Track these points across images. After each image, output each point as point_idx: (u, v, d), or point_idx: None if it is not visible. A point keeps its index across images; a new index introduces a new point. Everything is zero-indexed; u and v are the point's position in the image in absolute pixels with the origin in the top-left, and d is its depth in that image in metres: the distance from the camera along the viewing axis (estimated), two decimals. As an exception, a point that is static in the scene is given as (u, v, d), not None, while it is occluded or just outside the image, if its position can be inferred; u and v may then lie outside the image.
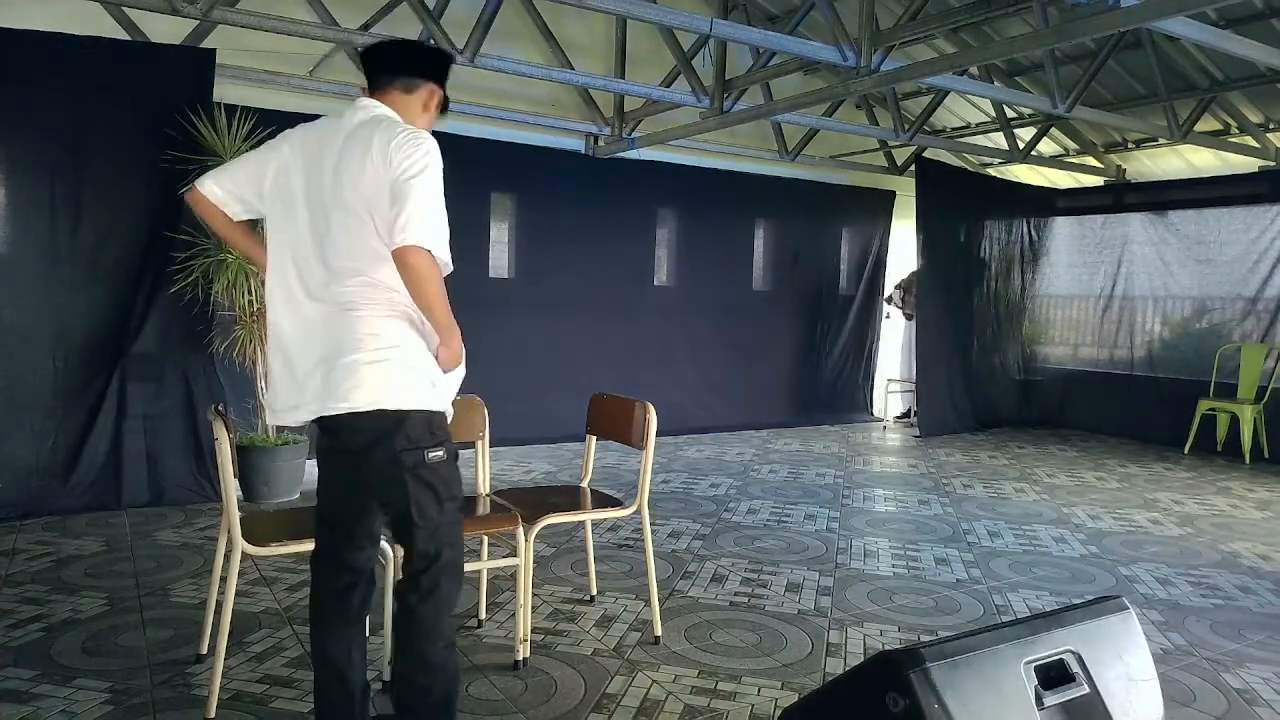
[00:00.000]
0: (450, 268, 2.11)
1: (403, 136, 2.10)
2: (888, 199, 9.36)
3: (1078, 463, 7.13)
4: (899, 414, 9.16)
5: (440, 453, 2.15)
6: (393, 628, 2.24)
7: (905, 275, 9.04)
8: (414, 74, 2.29)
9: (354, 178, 2.09)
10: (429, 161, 2.08)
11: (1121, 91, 7.20)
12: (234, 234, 2.36)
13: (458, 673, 2.24)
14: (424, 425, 2.13)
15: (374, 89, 2.29)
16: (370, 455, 2.13)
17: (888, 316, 9.23)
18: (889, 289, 9.26)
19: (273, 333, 2.20)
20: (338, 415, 2.10)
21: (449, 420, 2.23)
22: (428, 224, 2.03)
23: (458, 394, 2.31)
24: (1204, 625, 3.57)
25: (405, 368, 2.11)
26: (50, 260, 4.68)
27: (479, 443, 3.31)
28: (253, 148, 4.86)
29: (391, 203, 2.04)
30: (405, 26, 5.65)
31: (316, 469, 2.33)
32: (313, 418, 2.16)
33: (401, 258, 2.02)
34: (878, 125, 8.36)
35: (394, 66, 2.28)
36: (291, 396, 2.17)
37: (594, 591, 3.66)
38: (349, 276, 2.10)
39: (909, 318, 8.81)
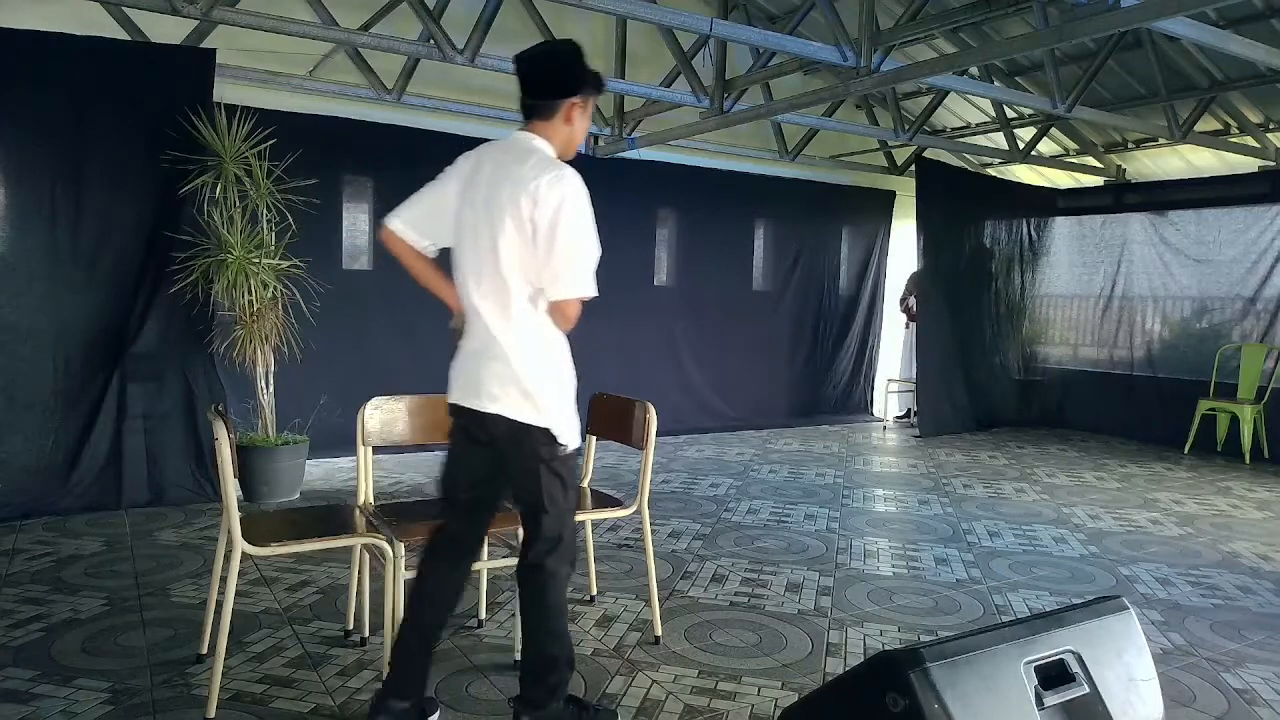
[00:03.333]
0: (594, 292, 2.37)
1: (542, 181, 2.25)
2: (888, 199, 9.36)
3: (1078, 463, 7.13)
4: (899, 414, 9.15)
5: (564, 446, 2.37)
6: (521, 608, 2.47)
7: (909, 280, 9.01)
8: (547, 97, 2.38)
9: (501, 220, 2.28)
10: (565, 200, 2.26)
11: (1121, 91, 7.20)
12: (421, 267, 2.46)
13: (570, 639, 2.52)
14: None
15: (523, 114, 2.42)
16: (511, 448, 2.35)
17: (907, 327, 9.13)
18: (906, 298, 9.04)
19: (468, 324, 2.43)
20: (487, 412, 2.33)
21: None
22: (575, 273, 2.31)
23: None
24: (1204, 625, 3.57)
25: (551, 390, 2.35)
26: (50, 260, 4.68)
27: (479, 443, 3.31)
28: (253, 148, 4.97)
29: (540, 254, 2.28)
30: (405, 26, 5.65)
31: (450, 454, 2.49)
32: (469, 407, 2.37)
33: (554, 308, 2.34)
34: (878, 125, 8.36)
35: (530, 94, 2.38)
36: (462, 381, 2.40)
37: (594, 591, 3.65)
38: (502, 303, 2.31)
39: (914, 319, 8.79)
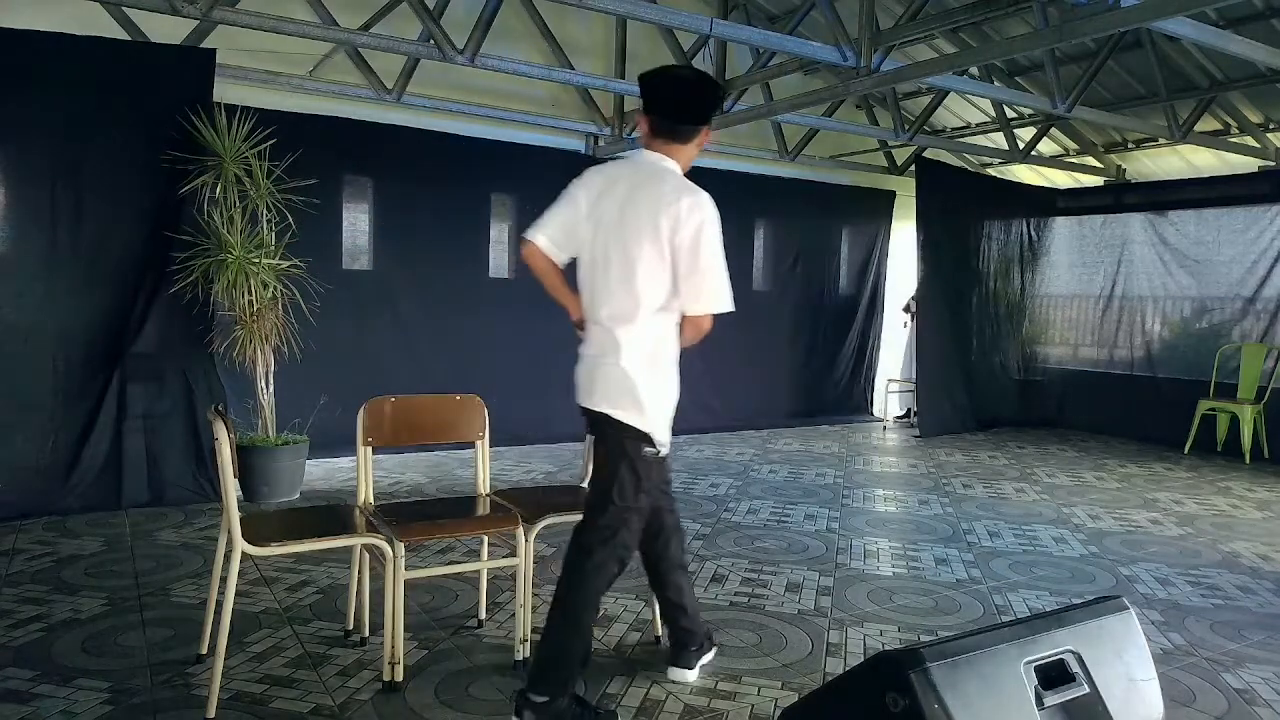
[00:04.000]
0: (732, 308, 2.58)
1: (683, 204, 2.44)
2: (888, 199, 9.36)
3: (1078, 463, 7.13)
4: (899, 414, 9.15)
5: (654, 449, 2.56)
6: (556, 594, 2.58)
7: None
8: (690, 123, 2.57)
9: (637, 236, 2.47)
10: (705, 223, 2.47)
11: (1121, 91, 7.20)
12: (557, 280, 2.66)
13: (591, 638, 2.66)
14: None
15: (654, 134, 2.58)
16: (608, 438, 2.57)
17: (905, 325, 9.14)
18: (907, 301, 9.04)
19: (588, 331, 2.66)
20: (598, 410, 2.56)
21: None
22: (715, 290, 2.53)
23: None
24: (1204, 625, 3.57)
25: (661, 400, 2.57)
26: (50, 260, 4.68)
27: (479, 443, 3.31)
28: (253, 148, 4.97)
29: (677, 270, 2.48)
30: (405, 26, 5.65)
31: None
32: (585, 406, 2.61)
33: (690, 322, 2.56)
34: (878, 125, 8.36)
35: (676, 119, 2.56)
36: (583, 383, 2.62)
37: (594, 591, 3.65)
38: (629, 315, 2.51)
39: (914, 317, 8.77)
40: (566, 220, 2.60)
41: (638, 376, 2.51)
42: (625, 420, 2.51)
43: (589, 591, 2.53)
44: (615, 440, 2.54)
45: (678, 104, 2.55)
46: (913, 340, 8.73)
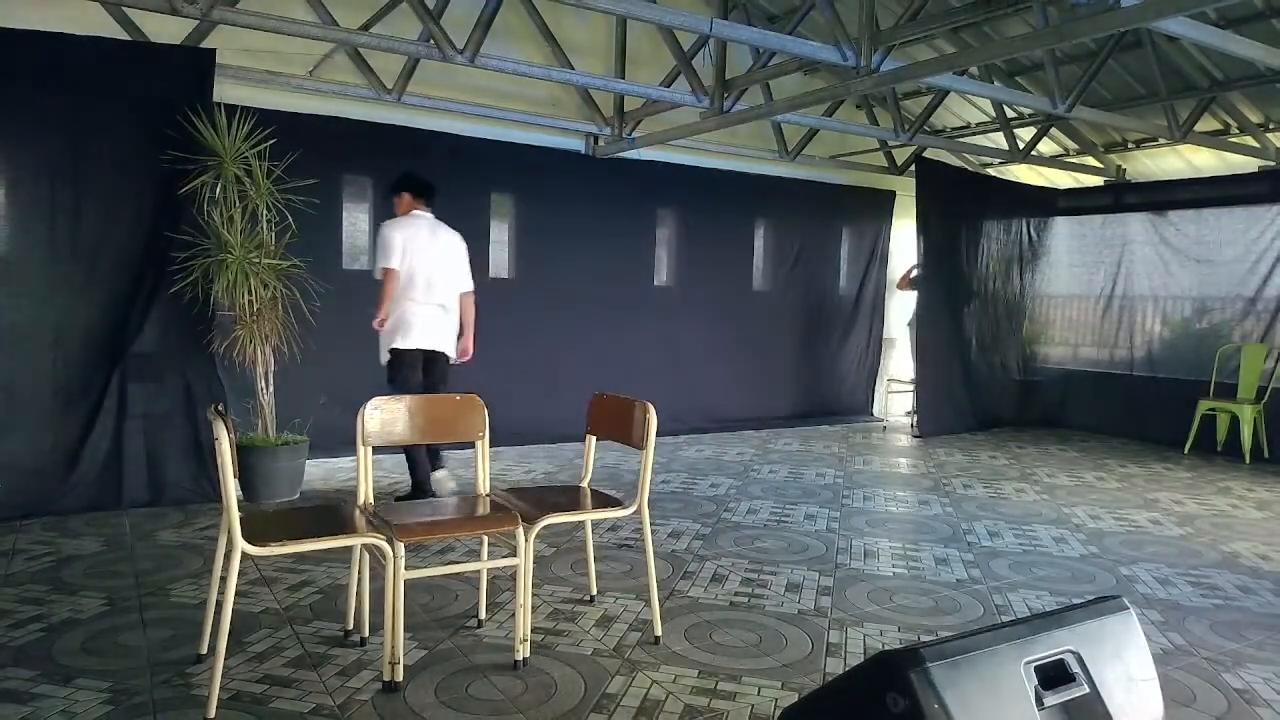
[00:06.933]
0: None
1: (458, 235, 5.09)
2: (888, 199, 9.36)
3: (1078, 463, 7.13)
4: (909, 410, 9.09)
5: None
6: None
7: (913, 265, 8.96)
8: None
9: (456, 256, 5.03)
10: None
11: (1121, 91, 7.20)
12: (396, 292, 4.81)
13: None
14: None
15: (415, 201, 4.98)
16: (434, 364, 4.97)
17: (901, 288, 9.09)
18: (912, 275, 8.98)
19: (422, 308, 4.86)
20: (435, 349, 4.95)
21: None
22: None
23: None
24: (1204, 625, 3.57)
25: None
26: (50, 260, 4.68)
27: (479, 443, 3.31)
28: (253, 148, 4.97)
29: (463, 269, 5.13)
30: (405, 26, 5.65)
31: (407, 372, 4.86)
32: (434, 348, 4.93)
33: (468, 296, 5.16)
34: (878, 125, 8.36)
35: (432, 196, 5.04)
36: (429, 334, 4.88)
37: (594, 591, 3.65)
38: (449, 297, 5.02)
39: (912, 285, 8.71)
40: (401, 254, 4.75)
41: (455, 328, 5.01)
42: (450, 353, 5.01)
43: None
44: (444, 363, 4.96)
45: (422, 184, 4.99)
46: (914, 340, 8.70)
